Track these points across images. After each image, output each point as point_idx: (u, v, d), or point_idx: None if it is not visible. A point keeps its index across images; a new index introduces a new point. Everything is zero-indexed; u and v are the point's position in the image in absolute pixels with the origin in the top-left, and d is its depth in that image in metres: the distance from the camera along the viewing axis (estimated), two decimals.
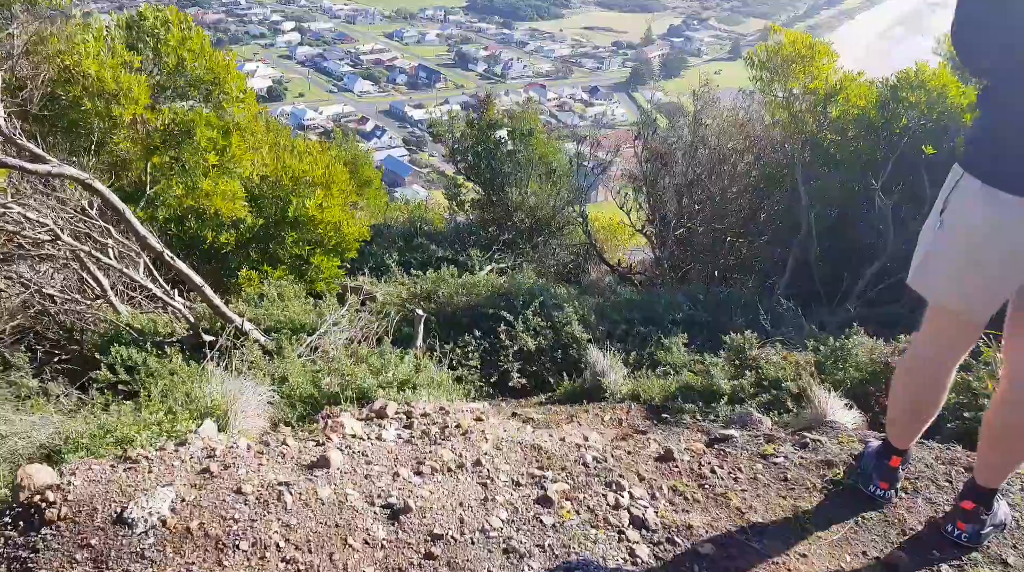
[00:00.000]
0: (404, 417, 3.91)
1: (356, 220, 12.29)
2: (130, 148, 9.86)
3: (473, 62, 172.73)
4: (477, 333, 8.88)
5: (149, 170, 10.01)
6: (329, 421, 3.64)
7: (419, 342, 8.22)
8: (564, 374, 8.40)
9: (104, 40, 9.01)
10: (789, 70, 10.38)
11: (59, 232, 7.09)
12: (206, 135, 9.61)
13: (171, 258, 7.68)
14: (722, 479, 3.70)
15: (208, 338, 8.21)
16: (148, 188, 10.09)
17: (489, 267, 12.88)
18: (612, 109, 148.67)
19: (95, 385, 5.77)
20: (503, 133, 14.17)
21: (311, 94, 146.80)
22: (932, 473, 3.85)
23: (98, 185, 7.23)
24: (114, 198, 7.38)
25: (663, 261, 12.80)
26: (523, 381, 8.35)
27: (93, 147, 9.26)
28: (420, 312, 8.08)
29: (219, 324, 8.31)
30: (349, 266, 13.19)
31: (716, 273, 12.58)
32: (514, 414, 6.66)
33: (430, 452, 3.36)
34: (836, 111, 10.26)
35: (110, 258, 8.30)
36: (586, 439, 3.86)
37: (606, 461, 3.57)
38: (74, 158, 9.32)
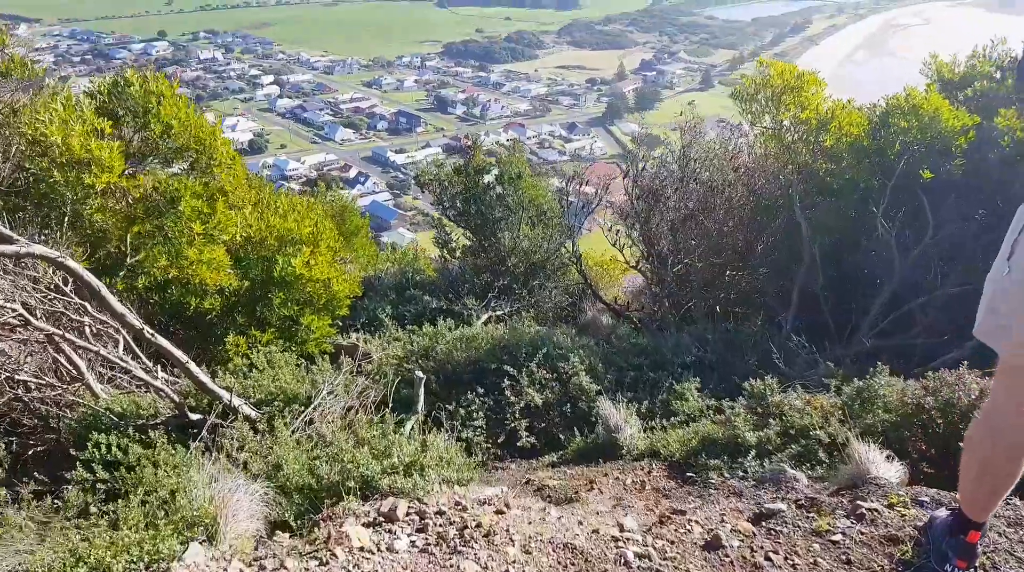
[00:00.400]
0: (416, 518, 3.48)
1: (346, 275, 11.92)
2: (107, 218, 9.49)
3: (452, 105, 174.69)
4: (480, 390, 8.46)
5: (129, 239, 9.63)
6: (332, 530, 3.21)
7: (420, 406, 7.79)
8: (575, 429, 7.97)
9: (73, 107, 8.68)
10: (779, 102, 10.21)
11: (29, 316, 6.64)
12: (191, 204, 9.26)
13: (151, 335, 7.24)
14: (780, 568, 3.28)
15: (195, 417, 7.74)
16: (128, 258, 9.70)
17: (486, 316, 12.50)
18: (591, 143, 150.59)
19: (72, 483, 5.30)
20: (491, 177, 13.92)
21: (293, 145, 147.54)
22: (1009, 544, 3.45)
23: (71, 263, 6.82)
24: (88, 276, 6.97)
25: (663, 299, 12.47)
26: (532, 440, 7.92)
27: (67, 220, 8.87)
28: (419, 374, 7.66)
29: (206, 400, 7.85)
30: (341, 324, 12.79)
31: (718, 308, 12.26)
32: (528, 481, 6.21)
33: (451, 565, 2.93)
34: (829, 140, 10.07)
35: (86, 339, 7.86)
36: (621, 528, 3.43)
37: (650, 558, 3.15)
38: (47, 232, 8.93)
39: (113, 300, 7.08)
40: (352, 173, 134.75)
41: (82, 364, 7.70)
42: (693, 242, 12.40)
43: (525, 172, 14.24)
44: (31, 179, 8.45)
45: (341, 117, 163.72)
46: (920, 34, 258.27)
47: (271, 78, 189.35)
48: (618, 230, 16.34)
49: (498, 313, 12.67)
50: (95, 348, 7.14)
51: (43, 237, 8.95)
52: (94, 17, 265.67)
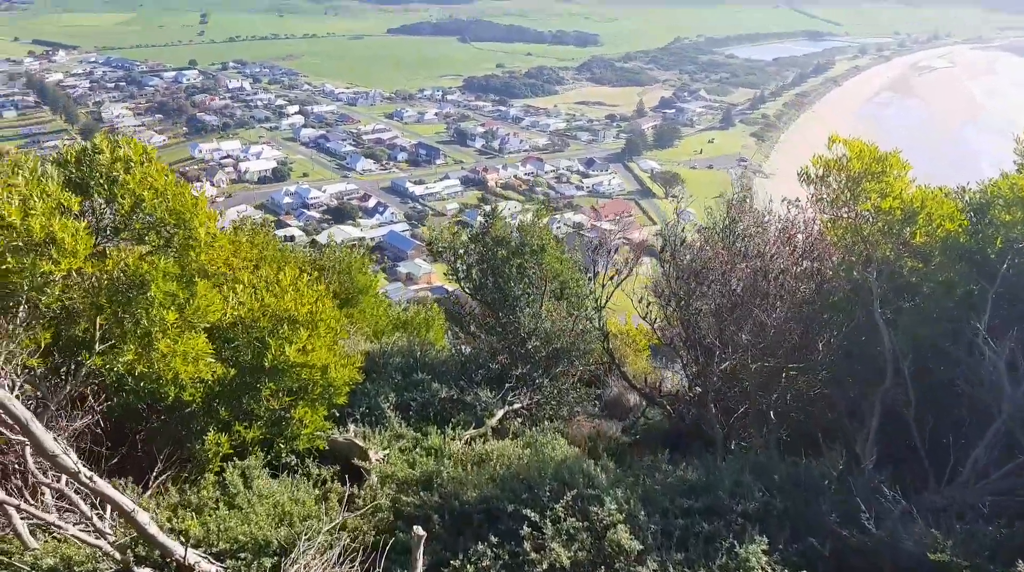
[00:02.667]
0: None
1: (345, 360, 10.52)
2: (74, 301, 8.19)
3: (471, 138, 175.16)
4: (493, 539, 6.92)
5: (99, 323, 8.31)
6: None
7: None
8: None
9: (38, 181, 7.40)
10: (856, 187, 8.75)
11: None
12: (163, 289, 7.91)
13: (90, 479, 5.81)
14: None
15: None
16: (97, 344, 8.35)
17: (502, 412, 11.02)
18: (609, 179, 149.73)
19: None
20: (511, 249, 12.52)
21: (315, 174, 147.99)
22: None
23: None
24: (16, 408, 5.57)
25: (707, 401, 10.92)
26: None
27: (24, 307, 7.55)
28: (418, 531, 6.16)
29: (157, 553, 6.39)
30: (338, 413, 11.37)
31: (773, 415, 10.67)
32: None
33: None
34: (918, 235, 8.54)
35: (24, 470, 6.47)
36: None
37: None
38: None
39: (46, 438, 5.68)
40: (371, 203, 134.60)
41: (11, 508, 6.28)
42: (744, 336, 10.85)
43: (549, 243, 12.82)
44: None
45: (363, 147, 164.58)
46: (946, 77, 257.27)
47: (296, 108, 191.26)
48: (649, 303, 14.89)
49: (516, 406, 11.16)
50: (14, 502, 5.72)
51: None
52: (129, 46, 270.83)
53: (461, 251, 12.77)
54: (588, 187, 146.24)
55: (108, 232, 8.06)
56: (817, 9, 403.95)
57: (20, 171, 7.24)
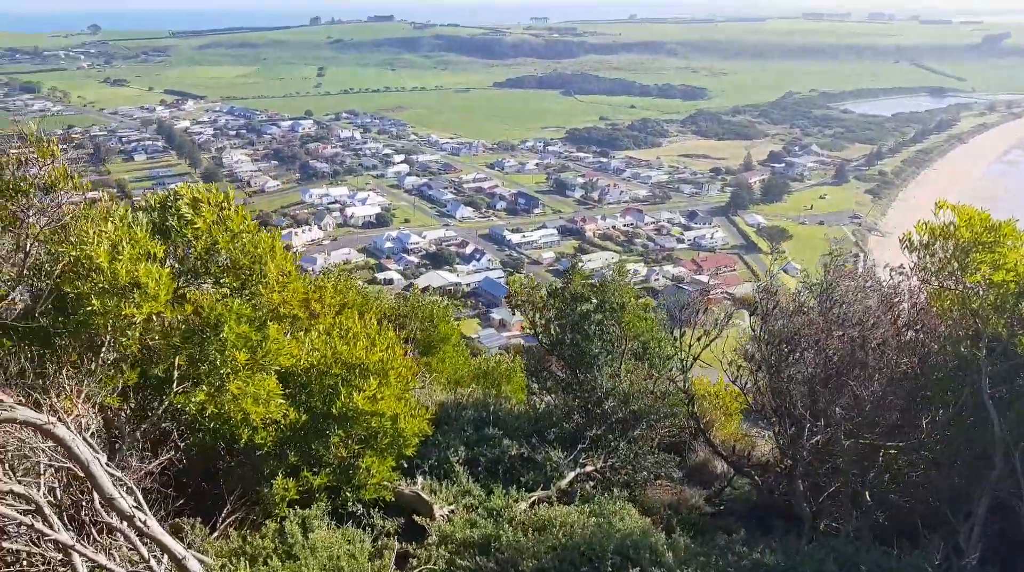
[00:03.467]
0: None
1: (416, 411, 10.42)
2: (155, 341, 8.52)
3: (570, 188, 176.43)
4: None
5: (178, 362, 8.60)
6: None
7: None
8: None
9: (126, 226, 7.80)
10: (965, 257, 7.98)
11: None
12: (235, 331, 8.11)
13: (143, 523, 5.87)
14: None
15: None
16: (175, 383, 8.63)
17: (573, 474, 10.59)
18: (712, 233, 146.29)
19: None
20: (590, 305, 12.21)
21: (416, 220, 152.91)
22: None
23: (60, 432, 5.61)
24: (79, 448, 5.71)
25: (796, 476, 10.10)
26: None
27: (105, 348, 7.89)
28: None
29: None
30: (406, 464, 11.25)
31: (868, 496, 9.73)
32: None
33: None
34: None
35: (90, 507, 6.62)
36: None
37: None
38: (82, 359, 7.99)
39: (104, 481, 5.78)
40: (469, 249, 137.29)
41: (71, 541, 6.44)
42: (838, 409, 10.03)
43: (630, 302, 12.42)
44: (71, 302, 7.60)
45: (463, 196, 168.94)
46: None
47: (402, 157, 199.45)
48: (739, 366, 14.13)
49: (588, 469, 10.69)
50: (68, 542, 5.83)
51: (78, 365, 8.02)
52: (251, 96, 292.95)
53: (540, 305, 12.57)
54: (689, 240, 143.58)
55: (190, 275, 8.37)
56: (941, 65, 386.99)
57: (111, 218, 7.61)
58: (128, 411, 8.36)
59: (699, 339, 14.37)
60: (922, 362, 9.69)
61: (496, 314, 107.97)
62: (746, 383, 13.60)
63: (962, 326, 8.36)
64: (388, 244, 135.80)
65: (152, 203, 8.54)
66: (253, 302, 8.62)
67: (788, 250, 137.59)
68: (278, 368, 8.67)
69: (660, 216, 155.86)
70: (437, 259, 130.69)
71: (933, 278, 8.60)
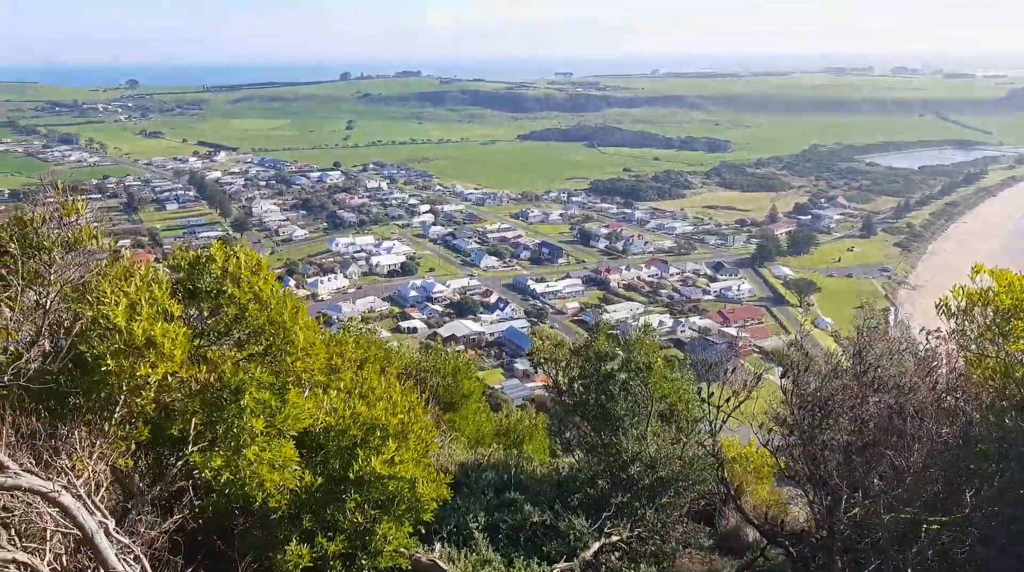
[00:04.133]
0: None
1: (435, 474, 10.10)
2: (171, 399, 8.38)
3: (594, 239, 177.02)
4: None
5: (194, 424, 8.44)
6: None
7: None
8: None
9: (147, 286, 7.75)
10: (1006, 324, 7.63)
11: None
12: (256, 396, 7.95)
13: None
14: None
15: None
16: (191, 444, 8.44)
17: (598, 544, 10.15)
18: (738, 284, 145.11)
19: None
20: (615, 364, 11.90)
21: (440, 269, 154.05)
22: None
23: (66, 500, 5.43)
24: (83, 517, 5.52)
25: (835, 550, 9.57)
26: None
27: (119, 408, 7.77)
28: None
29: None
30: (423, 529, 10.89)
31: None
32: None
33: None
34: None
35: None
36: None
37: None
38: (96, 418, 7.86)
39: (108, 554, 5.58)
40: (492, 298, 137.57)
41: None
42: (876, 480, 9.55)
43: (656, 362, 12.10)
44: (85, 361, 7.52)
45: (487, 245, 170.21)
46: None
47: (427, 207, 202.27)
48: (771, 430, 13.65)
49: (613, 539, 10.24)
50: None
51: (91, 424, 7.90)
52: (282, 148, 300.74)
53: (563, 364, 12.29)
54: (715, 291, 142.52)
55: (212, 336, 8.26)
56: (966, 118, 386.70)
57: (132, 277, 7.57)
58: (142, 469, 8.18)
59: (728, 400, 13.95)
60: (964, 432, 9.22)
61: (520, 364, 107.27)
62: (778, 447, 13.12)
63: (1005, 396, 7.93)
64: (412, 293, 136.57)
65: (182, 263, 8.49)
66: (276, 367, 8.48)
67: (817, 303, 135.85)
68: (296, 433, 8.46)
69: (685, 267, 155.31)
70: (461, 308, 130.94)
71: (973, 345, 8.21)
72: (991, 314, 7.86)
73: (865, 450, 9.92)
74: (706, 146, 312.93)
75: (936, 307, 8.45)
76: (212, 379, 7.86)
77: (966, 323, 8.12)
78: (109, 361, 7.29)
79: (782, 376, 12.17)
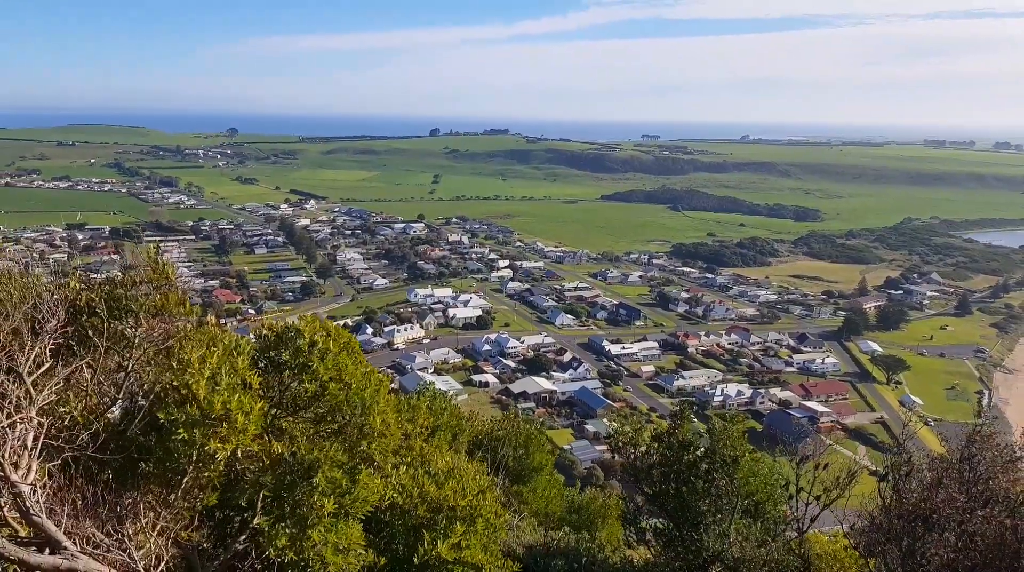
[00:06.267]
0: None
1: (501, 562, 9.66)
2: (242, 467, 8.30)
3: (674, 302, 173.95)
4: None
5: (263, 496, 8.35)
6: None
7: None
8: None
9: (230, 355, 7.78)
10: None
11: None
12: (329, 475, 7.81)
13: None
14: None
15: None
16: (258, 515, 8.35)
17: None
18: (823, 358, 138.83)
19: None
20: (699, 453, 11.28)
21: (515, 324, 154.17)
22: None
23: None
24: None
25: None
26: None
27: (188, 477, 7.69)
28: None
29: None
30: None
31: None
32: None
33: None
34: None
35: None
36: None
37: None
38: (160, 489, 7.79)
39: None
40: (566, 357, 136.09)
41: None
42: None
43: (744, 455, 11.40)
44: (160, 428, 7.55)
45: (564, 303, 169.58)
46: None
47: (506, 262, 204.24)
48: (864, 530, 12.63)
49: None
50: None
51: (156, 494, 7.81)
52: (369, 198, 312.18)
53: (643, 449, 11.75)
54: (798, 363, 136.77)
55: (289, 408, 8.24)
56: None
57: (216, 346, 7.62)
58: (206, 535, 8.06)
59: (818, 498, 13.03)
60: None
61: (591, 426, 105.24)
62: (871, 549, 12.12)
63: None
64: (486, 346, 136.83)
65: (270, 337, 8.56)
66: (350, 448, 8.35)
67: (905, 381, 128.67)
68: (364, 516, 8.26)
69: (767, 337, 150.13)
70: (534, 365, 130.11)
71: None
72: None
73: (973, 571, 8.96)
74: (794, 214, 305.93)
75: None
76: (286, 453, 7.78)
77: None
78: (182, 431, 7.31)
79: (881, 480, 11.28)
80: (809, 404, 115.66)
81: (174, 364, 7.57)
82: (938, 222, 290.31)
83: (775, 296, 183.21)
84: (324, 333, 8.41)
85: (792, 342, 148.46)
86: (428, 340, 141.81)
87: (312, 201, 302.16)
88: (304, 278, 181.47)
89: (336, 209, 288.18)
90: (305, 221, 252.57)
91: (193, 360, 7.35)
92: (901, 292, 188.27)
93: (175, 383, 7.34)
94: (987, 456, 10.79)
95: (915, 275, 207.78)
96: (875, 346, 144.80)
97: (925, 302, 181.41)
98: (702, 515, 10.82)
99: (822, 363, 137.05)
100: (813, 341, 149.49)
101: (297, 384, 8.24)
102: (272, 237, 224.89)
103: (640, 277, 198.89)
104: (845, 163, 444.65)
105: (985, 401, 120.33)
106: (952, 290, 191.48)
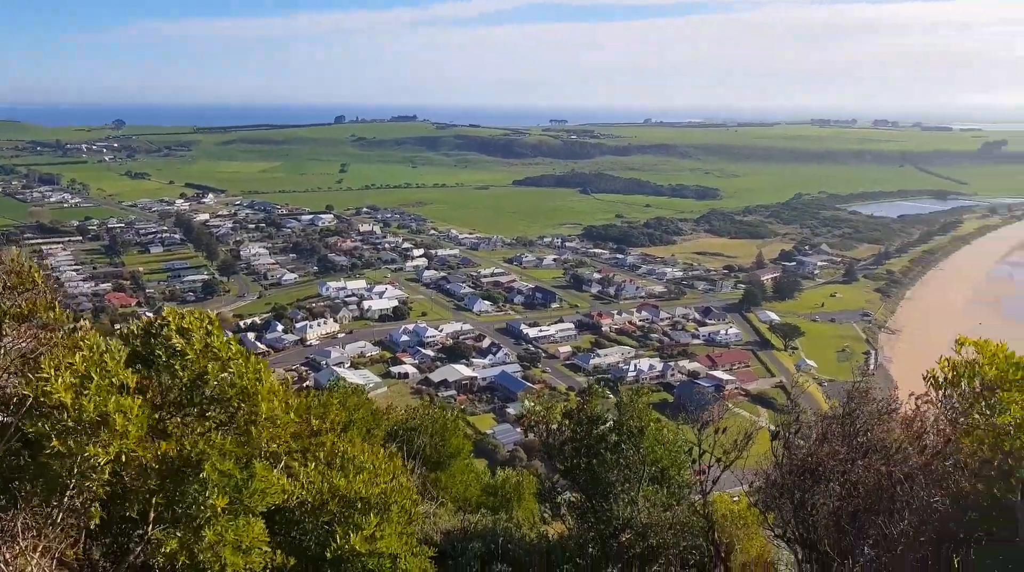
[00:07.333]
0: None
1: (418, 548, 9.78)
2: (128, 479, 7.89)
3: (587, 284, 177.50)
4: None
5: (155, 503, 8.02)
6: None
7: None
8: None
9: (98, 355, 7.36)
10: (992, 398, 7.59)
11: None
12: (220, 467, 7.54)
13: None
14: None
15: None
16: (151, 525, 7.96)
17: None
18: (726, 329, 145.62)
19: None
20: (607, 427, 11.74)
21: (433, 313, 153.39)
22: None
23: None
24: None
25: None
26: None
27: (69, 492, 7.25)
28: None
29: None
30: None
31: None
32: None
33: None
34: None
35: None
36: None
37: None
38: (39, 506, 7.29)
39: None
40: (485, 343, 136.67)
41: None
42: (868, 548, 9.36)
43: (649, 425, 11.94)
44: (30, 443, 7.10)
45: (481, 290, 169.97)
46: None
47: (421, 251, 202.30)
48: (760, 489, 13.47)
49: None
50: None
51: (38, 512, 7.32)
52: (273, 190, 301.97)
53: (554, 427, 12.12)
54: (704, 336, 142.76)
55: (173, 407, 7.99)
56: (943, 169, 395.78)
57: (80, 348, 7.28)
58: (94, 558, 7.62)
59: (719, 460, 13.77)
60: (953, 499, 9.10)
61: (512, 409, 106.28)
62: (768, 505, 12.95)
63: (994, 466, 7.85)
64: (404, 337, 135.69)
65: (135, 330, 8.29)
66: (242, 438, 8.14)
67: (801, 346, 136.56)
68: (265, 509, 8.11)
69: (675, 312, 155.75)
70: (453, 353, 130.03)
71: (960, 416, 8.15)
72: (977, 385, 7.82)
73: (856, 516, 9.76)
74: (695, 194, 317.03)
75: (924, 380, 8.41)
76: (172, 453, 7.49)
77: (955, 395, 8.08)
78: (55, 442, 6.79)
79: (773, 438, 12.05)
80: (715, 373, 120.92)
81: (31, 375, 7.15)
82: (825, 196, 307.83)
83: (681, 273, 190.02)
84: (193, 318, 8.18)
85: (698, 316, 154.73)
86: (343, 334, 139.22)
87: (211, 195, 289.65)
88: (206, 276, 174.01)
89: (238, 202, 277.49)
90: (204, 216, 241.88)
91: (49, 367, 6.93)
92: (794, 263, 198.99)
93: (35, 393, 6.94)
94: (865, 410, 11.67)
95: (807, 247, 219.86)
96: (773, 315, 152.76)
97: (816, 272, 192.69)
98: (612, 485, 11.29)
99: (726, 334, 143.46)
100: (717, 314, 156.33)
101: (171, 377, 7.94)
102: (168, 235, 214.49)
103: (554, 260, 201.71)
104: (740, 143, 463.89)
105: (872, 360, 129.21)
106: (840, 259, 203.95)
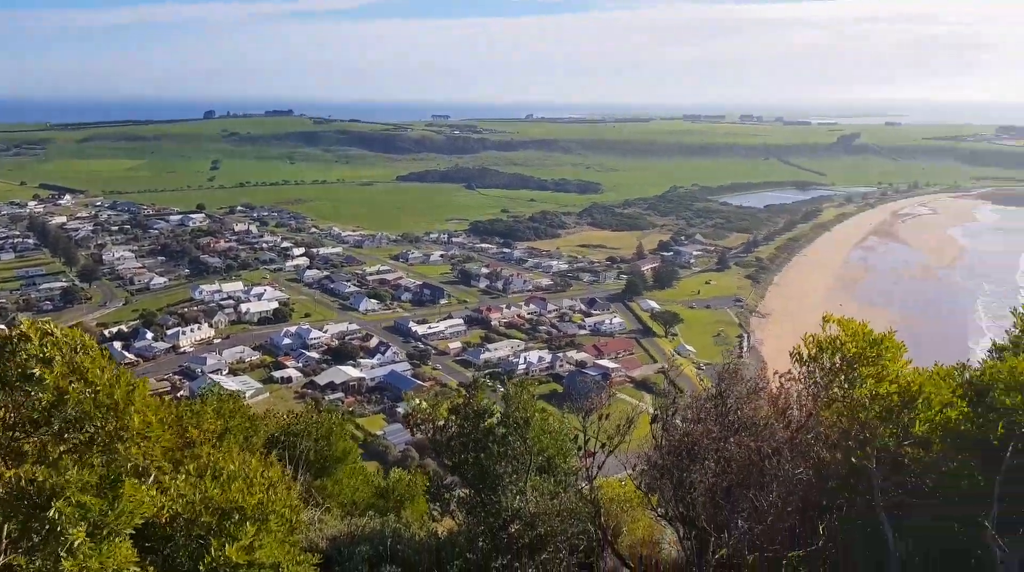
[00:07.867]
0: None
1: (302, 556, 9.42)
2: None
3: (475, 278, 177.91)
4: None
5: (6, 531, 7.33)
6: None
7: None
8: None
9: None
10: (851, 370, 8.19)
11: None
12: (76, 499, 6.89)
13: None
14: None
15: None
16: (3, 553, 7.29)
17: None
18: (611, 318, 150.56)
19: None
20: (493, 420, 11.75)
21: (317, 314, 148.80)
22: None
23: None
24: None
25: None
26: None
27: None
28: None
29: None
30: None
31: None
32: None
33: None
34: (918, 426, 7.86)
35: None
36: None
37: None
38: None
39: None
40: (373, 342, 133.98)
41: None
42: (741, 521, 9.85)
43: (535, 416, 12.05)
44: None
45: (367, 288, 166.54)
46: (929, 222, 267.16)
47: (302, 250, 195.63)
48: (643, 471, 13.93)
49: None
50: None
51: None
52: (138, 190, 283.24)
53: (440, 423, 11.99)
54: (590, 326, 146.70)
55: (27, 428, 7.28)
56: (803, 161, 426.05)
57: None
58: None
59: (604, 445, 14.13)
60: (816, 469, 9.75)
61: (402, 409, 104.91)
62: (649, 486, 13.41)
63: (851, 436, 8.47)
64: (287, 340, 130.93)
65: None
66: (106, 457, 7.52)
67: (680, 332, 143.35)
68: (133, 529, 7.54)
69: (562, 304, 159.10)
70: (340, 354, 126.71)
71: (823, 391, 8.74)
72: (838, 360, 8.40)
73: (730, 492, 10.25)
74: (577, 188, 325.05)
75: (790, 356, 8.94)
76: (24, 482, 6.79)
77: (817, 371, 8.64)
78: None
79: (652, 421, 12.47)
80: (602, 362, 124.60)
81: None
82: (698, 189, 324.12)
83: (566, 265, 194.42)
84: (58, 335, 7.50)
85: (583, 307, 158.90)
86: (220, 339, 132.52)
87: (68, 196, 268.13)
88: (65, 283, 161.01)
89: (98, 203, 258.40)
90: (61, 219, 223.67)
91: None
92: (672, 253, 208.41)
93: None
94: (735, 390, 12.27)
95: (682, 237, 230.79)
96: (653, 304, 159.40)
97: (692, 261, 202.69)
98: (500, 478, 11.32)
99: (610, 323, 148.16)
100: (602, 304, 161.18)
101: (25, 397, 7.25)
102: (20, 239, 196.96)
103: (441, 256, 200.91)
104: (618, 138, 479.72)
105: (744, 343, 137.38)
106: (713, 249, 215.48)
